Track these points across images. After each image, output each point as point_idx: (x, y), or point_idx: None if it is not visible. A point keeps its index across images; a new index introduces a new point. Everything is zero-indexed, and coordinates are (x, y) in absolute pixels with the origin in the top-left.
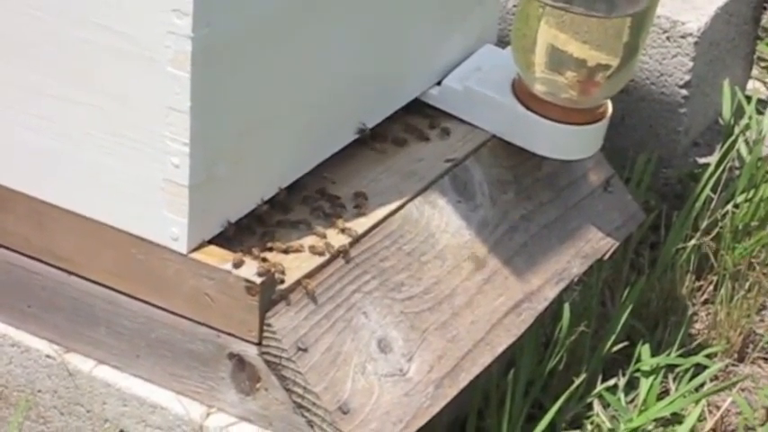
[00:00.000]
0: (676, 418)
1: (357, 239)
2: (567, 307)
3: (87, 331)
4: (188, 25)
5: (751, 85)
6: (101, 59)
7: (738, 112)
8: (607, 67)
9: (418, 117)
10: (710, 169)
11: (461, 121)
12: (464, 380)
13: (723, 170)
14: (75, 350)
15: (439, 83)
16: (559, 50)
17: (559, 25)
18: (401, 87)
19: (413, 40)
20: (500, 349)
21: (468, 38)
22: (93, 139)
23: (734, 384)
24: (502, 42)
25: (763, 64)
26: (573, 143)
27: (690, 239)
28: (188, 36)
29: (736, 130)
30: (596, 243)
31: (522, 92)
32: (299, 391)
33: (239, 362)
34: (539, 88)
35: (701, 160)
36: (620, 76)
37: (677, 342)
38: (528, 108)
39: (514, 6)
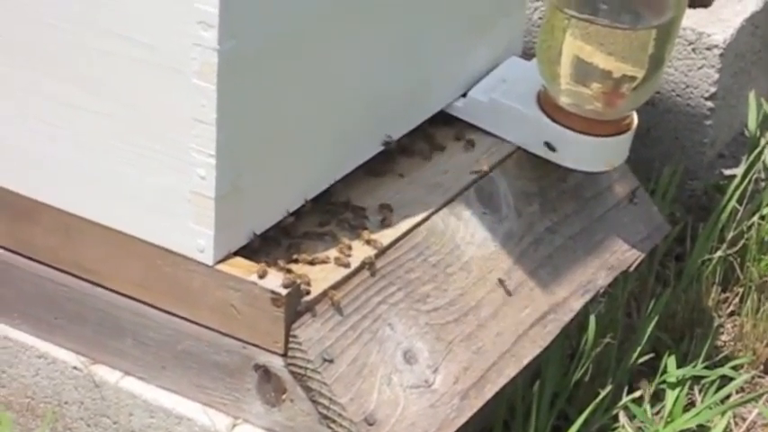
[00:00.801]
0: (702, 430)
1: (382, 251)
2: (592, 318)
3: (114, 343)
4: (214, 37)
5: None
6: (127, 71)
7: (764, 124)
8: (632, 78)
9: (444, 129)
10: (736, 181)
11: (487, 132)
12: (489, 391)
13: (749, 182)
14: (102, 362)
15: (464, 95)
16: (585, 62)
17: (585, 37)
18: (426, 99)
19: (438, 52)
20: (525, 361)
21: (493, 50)
22: (119, 150)
23: (760, 396)
24: (527, 54)
25: None
26: (598, 155)
27: (715, 251)
28: (214, 48)
29: (762, 142)
30: (622, 255)
31: (547, 104)
32: (325, 402)
33: (265, 373)
34: (564, 100)
35: (727, 172)
36: (645, 88)
37: (703, 354)
38: (553, 120)
39: (540, 18)
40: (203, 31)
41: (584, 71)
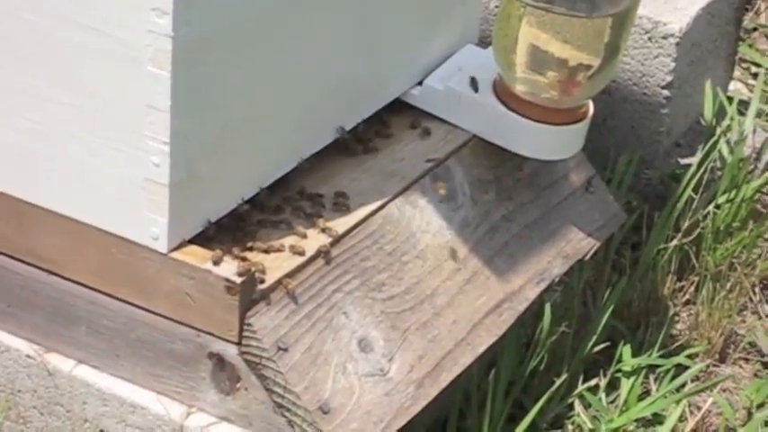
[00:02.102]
0: (657, 419)
1: (338, 239)
2: (548, 307)
3: (67, 331)
4: (168, 24)
5: (733, 86)
6: (81, 58)
7: (720, 113)
8: (588, 67)
9: (399, 117)
10: (692, 170)
11: (442, 121)
12: (445, 380)
13: (705, 171)
14: (56, 350)
15: (420, 83)
16: (540, 50)
17: (540, 25)
18: (382, 87)
19: (395, 40)
20: (481, 349)
21: (449, 38)
22: (74, 138)
23: (715, 385)
24: (483, 42)
25: (744, 65)
26: (554, 143)
27: (671, 240)
28: (168, 35)
29: (718, 131)
30: (577, 243)
31: (503, 92)
32: (280, 390)
33: (219, 361)
34: (520, 88)
35: (683, 161)
36: (601, 77)
37: (658, 343)
38: (509, 108)
39: (496, 7)
40: (157, 18)
41: (539, 59)
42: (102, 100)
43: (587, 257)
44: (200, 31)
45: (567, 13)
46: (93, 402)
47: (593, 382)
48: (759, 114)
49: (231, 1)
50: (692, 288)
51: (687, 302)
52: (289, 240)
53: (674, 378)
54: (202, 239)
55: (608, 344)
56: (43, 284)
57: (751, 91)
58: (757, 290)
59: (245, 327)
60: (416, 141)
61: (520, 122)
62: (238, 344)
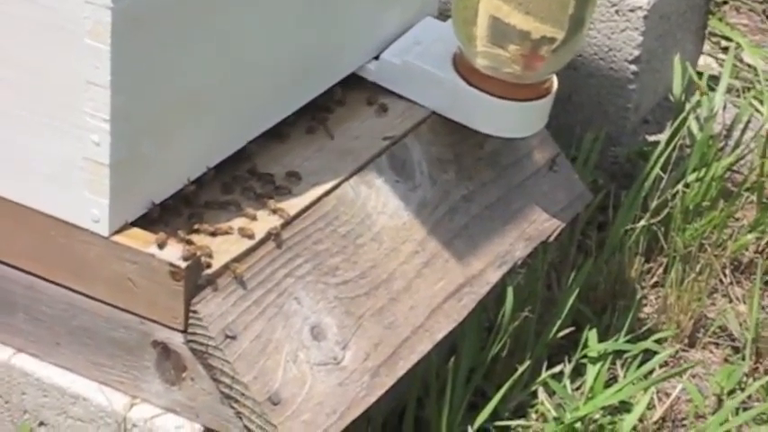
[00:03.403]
0: (624, 407)
1: (289, 221)
2: (510, 291)
3: (5, 318)
4: None
5: (702, 60)
6: (15, 31)
7: (689, 89)
8: (552, 40)
9: (355, 92)
10: (660, 147)
11: (400, 97)
12: (402, 368)
13: (674, 148)
14: None
15: (377, 57)
16: (502, 23)
17: None
18: (337, 61)
19: (349, 11)
20: (440, 336)
21: (407, 10)
22: (9, 116)
23: (684, 371)
24: (443, 15)
25: (714, 39)
26: (517, 120)
27: (639, 220)
28: (107, 6)
29: (687, 107)
30: (541, 224)
31: (463, 67)
32: (227, 380)
33: (164, 350)
34: (480, 63)
35: (651, 138)
36: (565, 50)
37: (626, 327)
38: (469, 83)
39: None
40: None
41: (501, 32)
42: (38, 75)
43: (551, 239)
44: (142, 2)
45: None
46: (32, 393)
47: (557, 369)
48: (729, 90)
49: None
50: (661, 270)
51: (655, 285)
52: (237, 222)
53: (641, 364)
54: (146, 222)
55: (573, 329)
56: None
57: (721, 66)
58: (728, 272)
59: (191, 314)
60: (373, 118)
61: (481, 98)
62: (184, 332)
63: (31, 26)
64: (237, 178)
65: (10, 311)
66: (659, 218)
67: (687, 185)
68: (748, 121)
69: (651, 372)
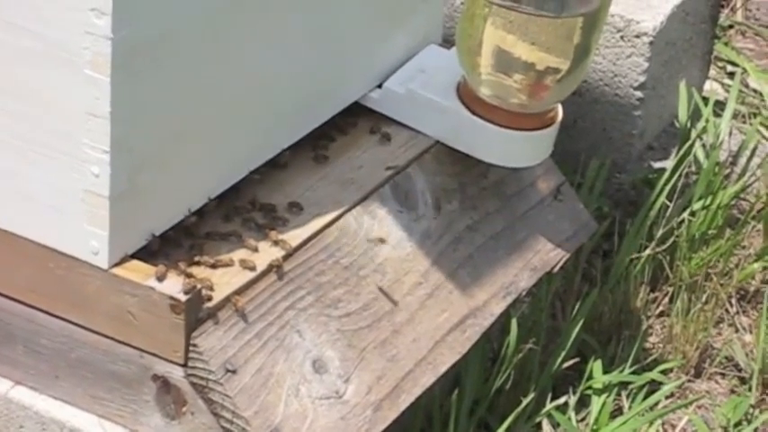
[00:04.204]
0: None
1: (291, 253)
2: (514, 322)
3: (4, 350)
4: (107, 25)
5: (708, 85)
6: (14, 61)
7: (695, 115)
8: (557, 70)
9: (358, 121)
10: (666, 175)
11: (403, 125)
12: (405, 402)
13: (679, 176)
14: None
15: (380, 85)
16: (507, 53)
17: (507, 26)
18: (340, 90)
19: (352, 40)
20: (443, 368)
21: (411, 38)
22: (8, 146)
23: (690, 403)
24: (448, 42)
25: (720, 64)
26: (521, 150)
27: (644, 249)
28: (107, 37)
29: (693, 134)
30: (546, 255)
31: (467, 95)
32: (228, 415)
33: (164, 384)
34: (485, 92)
35: (657, 165)
36: (570, 79)
37: (631, 357)
38: (474, 113)
39: (462, 3)
40: (96, 19)
41: (505, 62)
42: (38, 106)
43: (556, 270)
44: (142, 33)
45: (535, 13)
46: (30, 426)
47: (562, 400)
48: (736, 115)
49: (173, 2)
50: (666, 299)
51: (661, 314)
52: (239, 254)
53: (647, 395)
54: (146, 254)
55: (578, 359)
56: None
57: (727, 91)
58: (734, 301)
59: (191, 347)
60: (376, 147)
61: (485, 128)
62: (184, 365)
63: (30, 56)
64: (239, 209)
65: (9, 344)
66: (665, 246)
67: (693, 213)
68: (755, 148)
69: (657, 403)
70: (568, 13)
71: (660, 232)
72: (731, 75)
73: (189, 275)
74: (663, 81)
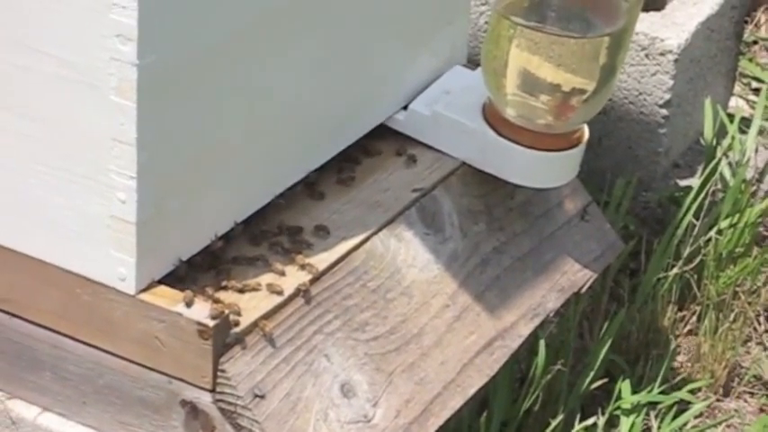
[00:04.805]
0: None
1: (318, 276)
2: (542, 343)
3: (31, 376)
4: (133, 52)
5: (733, 102)
6: (41, 88)
7: (721, 132)
8: (583, 91)
9: (384, 144)
10: (693, 193)
11: (429, 147)
12: (433, 425)
13: (706, 194)
14: (19, 396)
15: (405, 107)
16: (532, 74)
17: (532, 47)
18: (365, 113)
19: (377, 62)
20: (471, 391)
21: (436, 59)
22: (34, 173)
23: (719, 423)
24: (472, 62)
25: (744, 80)
26: (547, 170)
27: (671, 268)
28: (133, 63)
29: (719, 151)
30: (573, 275)
31: (493, 117)
32: None
33: (192, 410)
34: (511, 113)
35: (683, 183)
36: (597, 99)
37: (659, 377)
38: (500, 134)
39: (486, 23)
40: (121, 45)
41: (531, 83)
42: (64, 132)
43: (584, 290)
44: (168, 58)
45: (561, 34)
46: None
47: (590, 421)
48: (761, 132)
49: (200, 27)
50: (694, 318)
51: (689, 333)
52: (266, 278)
53: (676, 415)
54: (173, 279)
55: (606, 379)
56: (4, 327)
57: (752, 107)
58: (762, 319)
59: (219, 373)
60: (402, 169)
61: (511, 149)
62: (212, 391)
63: (56, 82)
64: (265, 233)
65: (36, 370)
66: (692, 265)
67: (720, 232)
68: None
69: (686, 423)
70: (594, 33)
71: (687, 251)
72: (756, 91)
73: (216, 300)
74: (688, 98)
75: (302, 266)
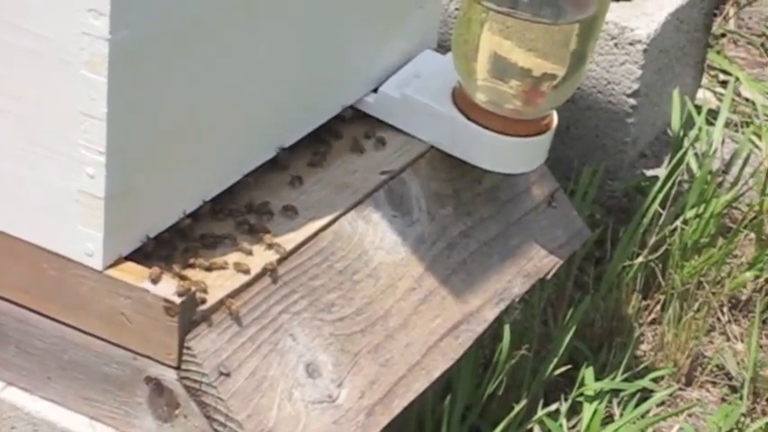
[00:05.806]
0: None
1: (285, 256)
2: (507, 328)
3: None
4: (105, 26)
5: (701, 94)
6: (11, 61)
7: (688, 123)
8: (553, 76)
9: (353, 126)
10: (659, 183)
11: (398, 130)
12: (397, 407)
13: (672, 184)
14: None
15: (375, 90)
16: (503, 58)
17: (503, 32)
18: (335, 94)
19: (348, 44)
20: (436, 374)
21: (406, 43)
22: (2, 146)
23: (681, 411)
24: (442, 47)
25: (712, 72)
26: (516, 156)
27: (636, 257)
28: (104, 38)
29: (686, 142)
30: (539, 261)
31: (463, 101)
32: (221, 418)
33: (157, 386)
34: (480, 97)
35: (649, 172)
36: (566, 86)
37: (622, 365)
38: (469, 118)
39: (456, 9)
40: (93, 20)
41: (502, 68)
42: (34, 106)
43: (549, 276)
44: (140, 34)
45: (532, 20)
46: (21, 427)
47: (553, 407)
48: (728, 124)
49: (172, 3)
50: (658, 307)
51: (653, 322)
52: (233, 257)
53: (638, 402)
54: (140, 256)
55: (569, 366)
56: None
57: (719, 99)
58: (725, 310)
59: (185, 350)
60: (370, 152)
61: (480, 133)
62: (177, 368)
63: (26, 56)
64: (234, 211)
65: (1, 344)
66: (657, 254)
67: (686, 222)
68: (747, 157)
69: (648, 411)
70: (565, 19)
71: (653, 240)
72: (724, 83)
73: (183, 278)
74: (656, 89)
75: (270, 246)
